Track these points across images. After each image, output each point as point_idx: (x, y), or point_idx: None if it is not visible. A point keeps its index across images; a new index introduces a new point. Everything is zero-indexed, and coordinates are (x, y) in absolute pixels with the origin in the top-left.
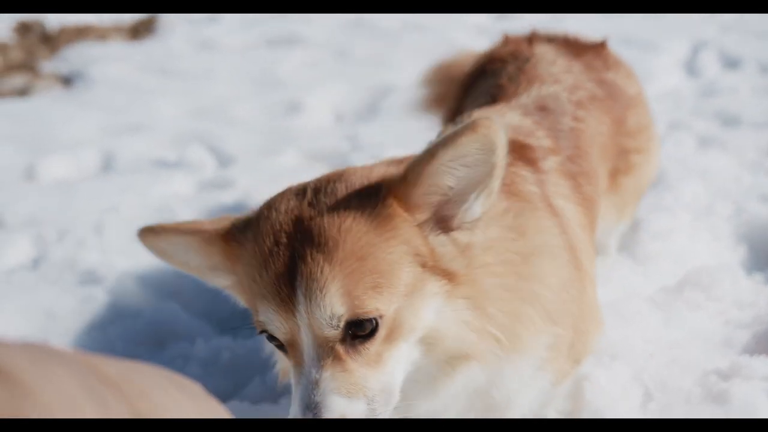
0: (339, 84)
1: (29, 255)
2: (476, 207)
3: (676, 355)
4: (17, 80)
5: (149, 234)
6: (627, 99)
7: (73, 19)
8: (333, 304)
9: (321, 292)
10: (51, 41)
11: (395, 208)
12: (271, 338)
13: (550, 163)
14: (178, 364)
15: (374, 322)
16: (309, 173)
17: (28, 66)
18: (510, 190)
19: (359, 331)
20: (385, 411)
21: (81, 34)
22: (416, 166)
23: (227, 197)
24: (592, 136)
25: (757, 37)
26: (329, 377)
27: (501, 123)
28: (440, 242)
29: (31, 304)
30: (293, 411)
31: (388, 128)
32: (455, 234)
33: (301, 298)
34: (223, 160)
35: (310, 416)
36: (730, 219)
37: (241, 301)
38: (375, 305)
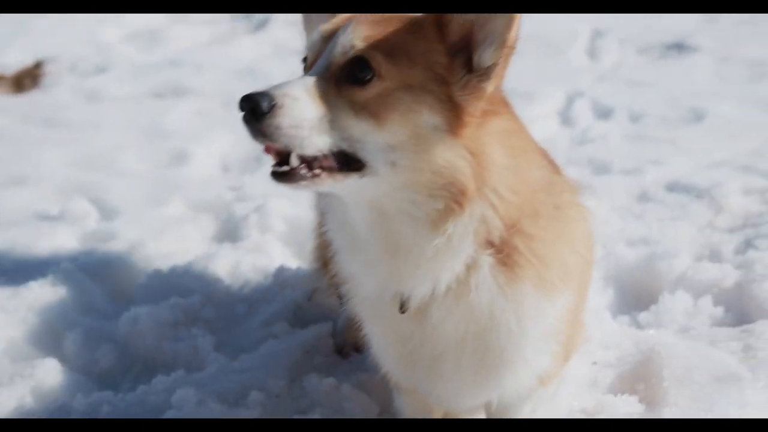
0: (226, 134)
1: None
2: (487, 54)
3: None
4: None
5: None
6: None
7: None
8: (354, 37)
9: (352, 27)
10: None
11: (432, 24)
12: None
13: None
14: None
15: (371, 75)
16: (194, 224)
17: None
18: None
19: (358, 72)
20: (305, 142)
21: None
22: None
23: (110, 249)
24: None
25: (629, 86)
26: (313, 82)
27: None
28: (458, 70)
29: None
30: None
31: None
32: (472, 75)
33: (340, 31)
34: (107, 213)
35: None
36: (599, 262)
37: None
38: (380, 62)
